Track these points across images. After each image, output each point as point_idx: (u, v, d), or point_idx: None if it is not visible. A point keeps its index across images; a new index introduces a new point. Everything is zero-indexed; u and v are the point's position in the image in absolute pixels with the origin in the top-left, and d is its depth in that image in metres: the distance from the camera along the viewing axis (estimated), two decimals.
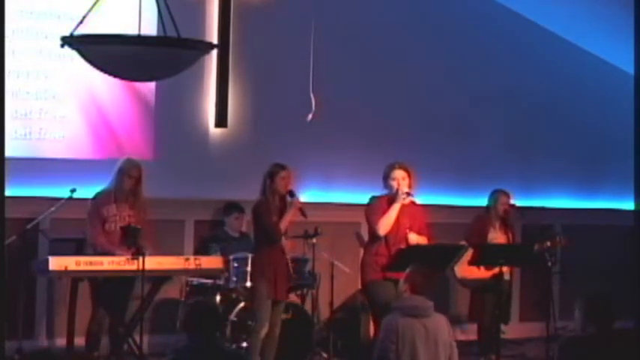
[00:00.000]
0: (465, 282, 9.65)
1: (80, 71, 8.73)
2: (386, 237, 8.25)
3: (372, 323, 8.92)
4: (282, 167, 8.36)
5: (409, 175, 8.33)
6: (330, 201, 10.33)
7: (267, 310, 8.31)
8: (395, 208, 8.24)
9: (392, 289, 8.20)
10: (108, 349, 8.63)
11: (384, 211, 8.26)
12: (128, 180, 8.49)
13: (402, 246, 8.21)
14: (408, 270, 6.58)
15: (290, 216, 8.36)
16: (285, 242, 8.45)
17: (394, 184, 8.29)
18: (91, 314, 8.54)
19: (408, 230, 8.29)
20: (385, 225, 8.23)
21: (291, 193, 8.37)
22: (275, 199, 8.36)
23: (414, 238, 8.28)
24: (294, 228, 8.76)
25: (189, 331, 5.46)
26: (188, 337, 5.47)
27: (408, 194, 8.27)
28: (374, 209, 8.35)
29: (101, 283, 8.41)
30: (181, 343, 5.76)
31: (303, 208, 8.44)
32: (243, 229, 9.59)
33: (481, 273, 9.26)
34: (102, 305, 8.46)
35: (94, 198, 8.53)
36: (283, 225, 8.35)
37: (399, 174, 8.30)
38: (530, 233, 10.25)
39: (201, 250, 9.54)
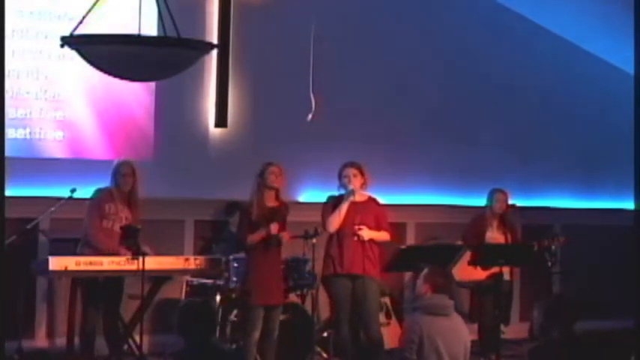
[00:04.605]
0: (462, 284, 9.63)
1: (80, 71, 8.73)
2: (337, 233, 8.43)
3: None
4: (271, 163, 8.35)
5: (361, 173, 8.49)
6: None
7: (257, 317, 8.21)
8: (343, 206, 8.41)
9: (346, 284, 8.38)
10: (106, 349, 8.61)
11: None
12: (123, 179, 8.50)
13: (352, 241, 8.37)
14: (426, 270, 6.57)
15: (260, 236, 8.24)
16: (283, 233, 8.34)
17: (345, 181, 8.48)
18: (82, 315, 8.54)
19: (357, 226, 8.39)
20: (332, 222, 8.43)
21: (282, 226, 8.29)
22: (265, 196, 8.31)
23: (365, 234, 8.41)
24: (293, 228, 8.74)
25: (184, 333, 5.43)
26: (184, 340, 5.45)
27: (354, 191, 8.41)
28: (326, 208, 8.56)
29: (90, 283, 8.40)
30: (178, 347, 5.73)
31: (283, 240, 8.34)
32: None
33: (478, 274, 9.24)
34: (92, 306, 8.46)
35: (95, 194, 8.54)
36: (251, 240, 8.26)
37: (349, 172, 8.48)
38: (530, 233, 10.24)
39: (204, 250, 9.54)
